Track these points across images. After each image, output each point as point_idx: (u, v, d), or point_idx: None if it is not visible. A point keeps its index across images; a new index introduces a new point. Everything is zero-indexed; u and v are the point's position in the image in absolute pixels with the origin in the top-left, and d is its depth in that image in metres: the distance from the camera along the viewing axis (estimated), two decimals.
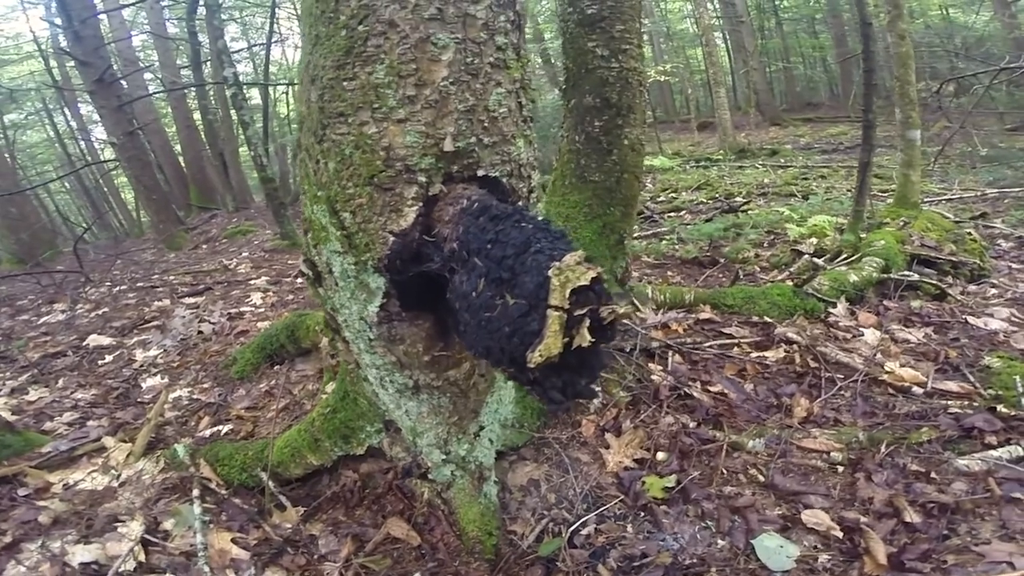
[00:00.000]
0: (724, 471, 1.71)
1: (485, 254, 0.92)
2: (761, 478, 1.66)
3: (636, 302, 3.03)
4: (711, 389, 2.23)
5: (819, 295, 2.85)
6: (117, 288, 4.75)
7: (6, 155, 10.20)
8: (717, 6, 15.86)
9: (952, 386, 2.02)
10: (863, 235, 3.60)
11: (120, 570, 1.40)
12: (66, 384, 2.71)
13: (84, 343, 3.27)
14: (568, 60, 2.90)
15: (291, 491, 1.81)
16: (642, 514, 1.60)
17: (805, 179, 6.58)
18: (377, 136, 1.06)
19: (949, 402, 1.92)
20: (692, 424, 1.99)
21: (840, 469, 1.67)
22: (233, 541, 1.53)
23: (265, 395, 2.43)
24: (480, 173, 1.14)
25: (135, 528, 1.54)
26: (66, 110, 14.11)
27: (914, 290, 2.91)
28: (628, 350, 2.43)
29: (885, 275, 3.01)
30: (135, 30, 12.27)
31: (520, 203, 1.24)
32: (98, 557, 1.44)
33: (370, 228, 1.11)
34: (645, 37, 19.44)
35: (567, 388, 0.95)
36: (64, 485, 1.80)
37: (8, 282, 5.77)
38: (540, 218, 1.01)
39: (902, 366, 2.18)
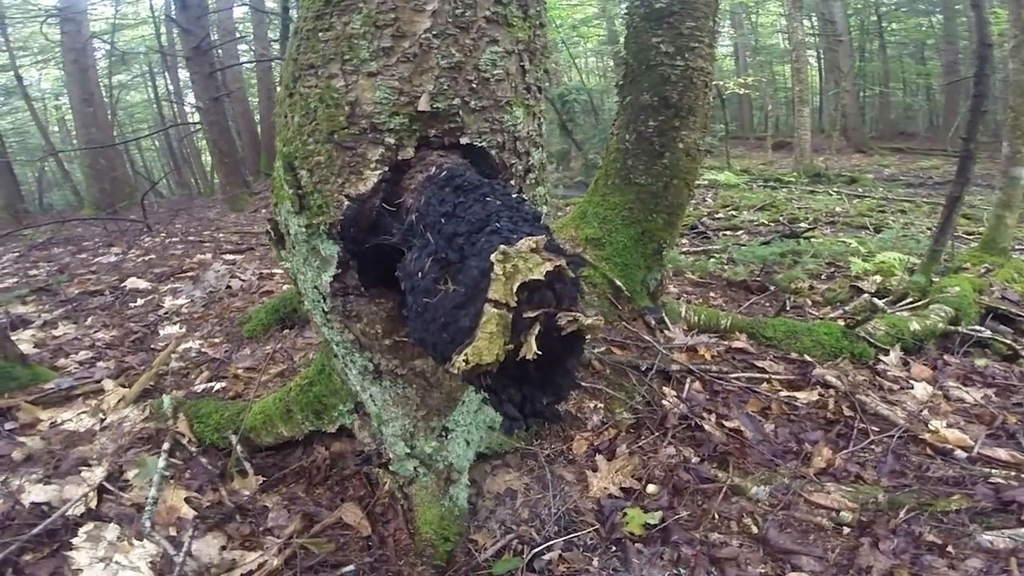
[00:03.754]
0: (716, 515, 1.52)
1: (438, 229, 0.80)
2: (755, 529, 1.46)
3: (666, 319, 2.83)
4: (726, 424, 2.02)
5: (871, 339, 2.56)
6: (169, 239, 4.99)
7: (108, 112, 11.06)
8: (815, 23, 14.96)
9: (1001, 454, 1.78)
10: (936, 279, 3.21)
11: (67, 514, 1.39)
12: (93, 323, 2.83)
13: (123, 284, 3.42)
14: (629, 55, 2.74)
15: (263, 459, 1.77)
16: (613, 548, 1.44)
17: (882, 212, 6.02)
18: (344, 90, 0.97)
19: (993, 470, 1.69)
20: (695, 459, 1.80)
21: (846, 531, 1.47)
22: (186, 500, 1.49)
23: (267, 357, 2.42)
24: (464, 141, 1.01)
25: (97, 474, 1.54)
26: (167, 74, 15.14)
27: (982, 347, 2.55)
28: (644, 369, 2.25)
29: (952, 327, 2.66)
30: (237, 1, 12.94)
31: (512, 182, 1.11)
32: (52, 498, 1.44)
33: (326, 189, 1.01)
34: (730, 49, 18.64)
35: (525, 404, 0.82)
36: (51, 423, 1.83)
37: (83, 225, 6.20)
38: (515, 196, 0.88)
39: (949, 426, 1.92)
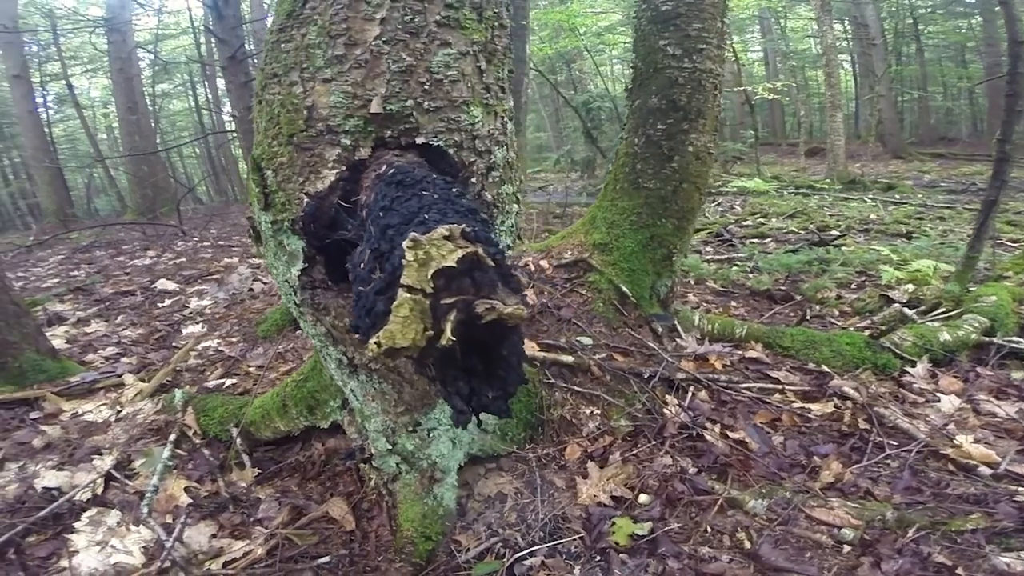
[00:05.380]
0: (709, 529, 1.47)
1: (376, 222, 0.83)
2: (747, 544, 1.41)
3: (679, 327, 2.77)
4: (730, 435, 1.95)
5: (897, 350, 2.43)
6: (201, 243, 5.20)
7: (151, 120, 11.64)
8: (847, 27, 14.50)
9: None
10: (972, 287, 3.05)
11: (75, 499, 1.46)
12: (122, 321, 2.96)
13: (153, 285, 3.58)
14: (638, 59, 2.72)
15: (263, 452, 1.81)
16: (597, 558, 1.41)
17: (919, 219, 5.75)
18: (302, 95, 1.03)
19: (1020, 488, 1.57)
20: (692, 470, 1.75)
21: (846, 549, 1.38)
22: (186, 489, 1.55)
23: (279, 356, 2.49)
24: (420, 141, 1.05)
25: (107, 462, 1.61)
26: (206, 83, 15.83)
27: (1020, 359, 2.40)
28: (647, 376, 2.20)
29: (987, 338, 2.51)
30: (271, 12, 13.44)
31: (474, 180, 1.12)
32: (62, 484, 1.51)
33: (288, 188, 1.07)
34: (760, 54, 18.16)
35: (472, 397, 0.83)
36: (73, 414, 1.93)
37: (124, 229, 6.52)
38: (456, 190, 0.89)
39: (975, 441, 1.80)
